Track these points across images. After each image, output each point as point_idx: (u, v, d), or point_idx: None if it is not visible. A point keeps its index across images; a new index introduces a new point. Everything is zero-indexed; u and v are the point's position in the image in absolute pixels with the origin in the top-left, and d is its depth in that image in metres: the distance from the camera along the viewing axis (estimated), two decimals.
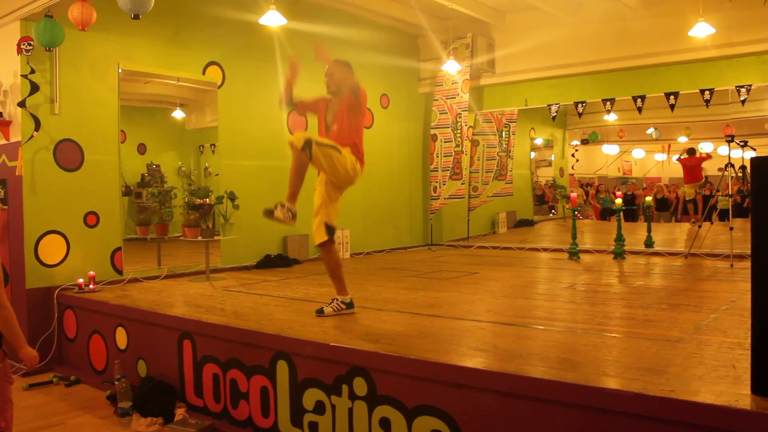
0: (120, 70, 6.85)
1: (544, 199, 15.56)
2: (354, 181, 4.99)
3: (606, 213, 15.47)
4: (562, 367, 3.30)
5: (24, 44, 6.08)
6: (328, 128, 5.01)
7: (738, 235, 7.40)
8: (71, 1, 5.62)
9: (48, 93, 6.31)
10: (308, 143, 4.58)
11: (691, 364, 3.29)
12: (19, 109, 6.18)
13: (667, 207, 15.15)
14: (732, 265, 7.27)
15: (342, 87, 4.95)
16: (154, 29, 7.04)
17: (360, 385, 3.75)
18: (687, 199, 13.98)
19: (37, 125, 6.21)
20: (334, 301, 4.97)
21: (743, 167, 7.90)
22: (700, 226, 8.96)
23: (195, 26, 7.54)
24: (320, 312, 4.87)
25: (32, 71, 6.13)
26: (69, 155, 6.49)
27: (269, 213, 4.62)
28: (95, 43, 6.58)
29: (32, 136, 6.20)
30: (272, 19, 7.16)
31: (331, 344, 3.95)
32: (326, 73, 5.03)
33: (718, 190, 9.99)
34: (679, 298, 5.44)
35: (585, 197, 16.32)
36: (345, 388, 3.83)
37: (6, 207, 6.40)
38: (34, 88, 6.17)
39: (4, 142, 6.44)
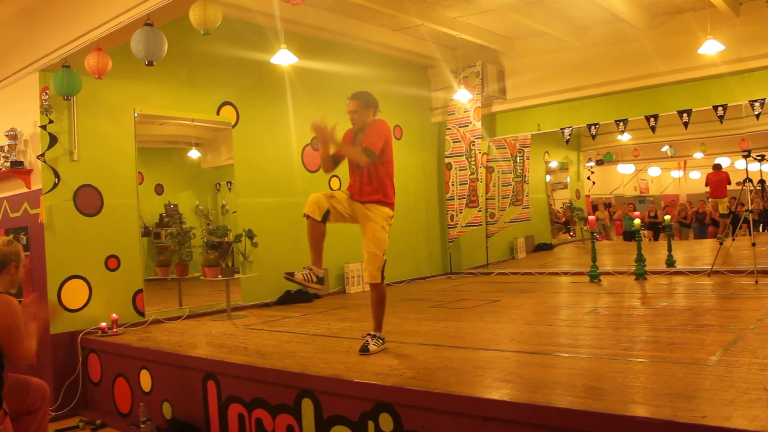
0: (136, 115, 6.96)
1: (564, 222, 15.47)
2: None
3: (629, 234, 15.34)
4: (589, 396, 3.25)
5: (43, 94, 6.21)
6: (358, 167, 4.79)
7: (762, 249, 7.30)
8: (87, 50, 5.74)
9: (67, 141, 6.42)
10: (326, 216, 4.52)
11: (720, 387, 3.24)
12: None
13: (688, 224, 15.03)
14: (757, 281, 7.17)
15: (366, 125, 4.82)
16: (168, 73, 7.16)
17: (386, 421, 3.73)
18: (722, 213, 13.75)
19: (57, 176, 6.32)
20: (375, 337, 4.74)
21: (762, 181, 7.84)
22: (721, 243, 8.86)
23: (208, 68, 7.66)
24: (365, 351, 4.62)
25: (50, 122, 6.25)
26: (89, 200, 6.58)
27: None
28: (111, 90, 6.69)
29: (56, 184, 6.30)
30: (283, 58, 7.26)
31: (356, 380, 3.94)
32: (348, 110, 4.88)
33: (742, 205, 9.90)
34: (704, 318, 5.37)
35: (611, 218, 16.20)
36: (371, 425, 3.80)
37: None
38: (53, 140, 6.29)
39: (25, 190, 6.55)
